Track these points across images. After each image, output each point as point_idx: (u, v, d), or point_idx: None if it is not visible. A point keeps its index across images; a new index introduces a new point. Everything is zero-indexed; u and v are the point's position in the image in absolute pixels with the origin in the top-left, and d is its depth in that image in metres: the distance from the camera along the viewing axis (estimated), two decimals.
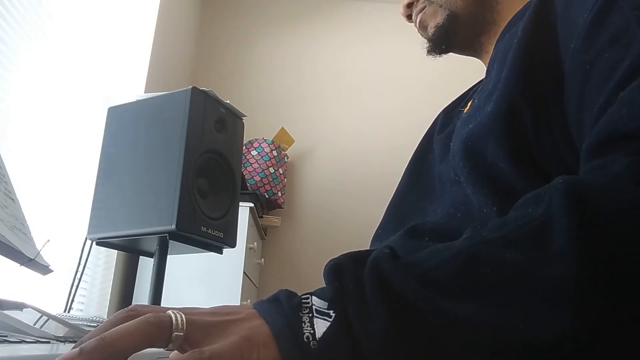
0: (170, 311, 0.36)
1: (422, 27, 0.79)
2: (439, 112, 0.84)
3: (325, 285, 0.39)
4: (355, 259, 0.40)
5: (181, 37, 2.69)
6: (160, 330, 0.35)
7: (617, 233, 0.36)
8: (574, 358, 0.35)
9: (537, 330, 0.35)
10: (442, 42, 0.77)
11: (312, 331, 0.36)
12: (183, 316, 0.36)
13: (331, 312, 0.37)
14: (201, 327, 0.37)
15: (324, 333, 0.36)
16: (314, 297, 0.38)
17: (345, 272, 0.39)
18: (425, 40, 0.79)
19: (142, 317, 0.35)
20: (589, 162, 0.45)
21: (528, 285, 0.36)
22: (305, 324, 0.36)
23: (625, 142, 0.42)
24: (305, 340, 0.36)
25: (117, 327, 0.34)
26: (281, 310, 0.38)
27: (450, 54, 0.81)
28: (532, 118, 0.54)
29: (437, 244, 0.41)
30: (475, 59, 0.80)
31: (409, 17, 0.81)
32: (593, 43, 0.50)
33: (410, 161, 0.81)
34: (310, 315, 0.37)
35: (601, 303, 0.35)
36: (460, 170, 0.61)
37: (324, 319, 0.36)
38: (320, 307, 0.37)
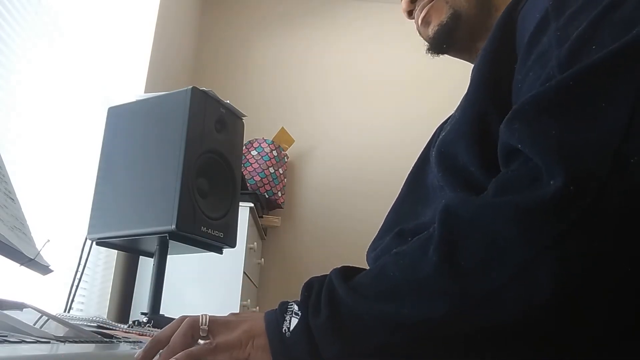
0: (201, 315, 0.55)
1: (425, 23, 0.79)
2: (438, 116, 0.86)
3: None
4: (322, 278, 0.56)
5: (181, 37, 2.69)
6: (194, 328, 0.55)
7: (465, 239, 0.48)
8: (446, 333, 0.48)
9: (416, 313, 0.48)
10: (443, 41, 0.78)
11: (288, 325, 0.53)
12: (207, 316, 0.55)
13: (300, 312, 0.54)
14: (219, 324, 0.55)
15: (294, 326, 0.53)
16: (294, 304, 0.55)
17: (313, 286, 0.56)
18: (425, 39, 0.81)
19: (185, 322, 0.55)
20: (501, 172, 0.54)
21: (410, 282, 0.50)
22: (286, 321, 0.54)
23: (509, 157, 0.52)
24: (284, 331, 0.53)
25: (174, 335, 0.54)
26: (274, 313, 0.55)
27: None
28: (499, 124, 0.57)
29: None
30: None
31: (409, 14, 0.82)
32: (526, 62, 0.55)
33: (409, 172, 0.84)
34: (290, 315, 0.54)
35: (453, 291, 0.47)
36: (437, 175, 0.66)
37: (296, 317, 0.54)
38: (296, 310, 0.54)
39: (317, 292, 0.55)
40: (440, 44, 0.79)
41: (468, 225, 0.48)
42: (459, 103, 0.80)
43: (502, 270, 0.45)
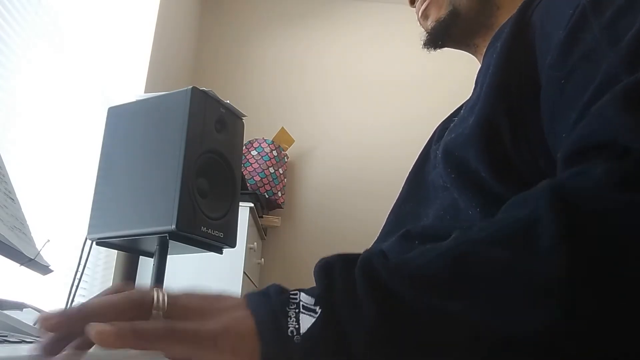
0: (155, 289, 0.37)
1: (424, 16, 0.80)
2: (439, 116, 0.85)
3: (315, 284, 0.40)
4: (346, 258, 0.41)
5: (181, 37, 2.69)
6: (138, 307, 0.36)
7: (601, 236, 0.37)
8: (556, 353, 0.36)
9: (521, 326, 0.36)
10: (439, 37, 0.78)
11: (296, 326, 0.36)
12: (166, 296, 0.37)
13: (317, 308, 0.37)
14: (183, 308, 0.37)
15: (308, 328, 0.36)
16: (302, 294, 0.38)
17: (334, 270, 0.39)
18: (423, 32, 0.80)
19: (125, 292, 0.36)
20: (566, 169, 0.46)
21: (513, 283, 0.36)
22: (290, 319, 0.36)
23: (598, 151, 0.44)
24: (289, 334, 0.36)
25: (100, 299, 0.36)
26: (268, 303, 0.38)
27: (448, 49, 0.82)
28: (511, 130, 0.57)
29: (426, 246, 0.42)
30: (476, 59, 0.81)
31: (411, 2, 0.82)
32: (566, 60, 0.52)
33: (410, 171, 0.83)
34: (297, 310, 0.37)
35: (584, 302, 0.36)
36: (446, 176, 0.64)
37: (310, 315, 0.37)
38: (307, 303, 0.37)
39: (344, 276, 0.38)
40: (436, 40, 0.79)
41: (598, 223, 0.38)
42: (465, 101, 0.80)
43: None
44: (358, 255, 0.41)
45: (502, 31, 0.66)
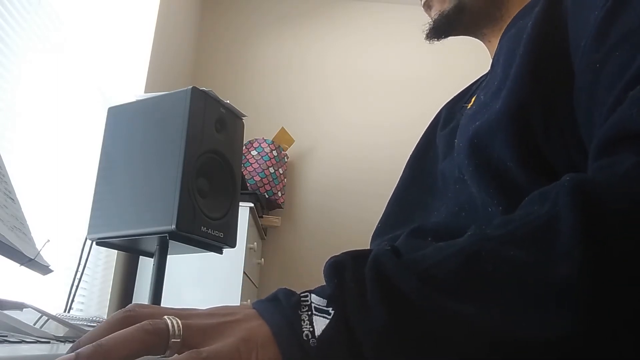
0: (166, 317, 0.36)
1: (427, 6, 0.76)
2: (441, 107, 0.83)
3: (324, 283, 0.39)
4: (356, 256, 0.40)
5: (181, 37, 2.68)
6: (157, 337, 0.34)
7: (624, 233, 0.35)
8: (574, 358, 0.35)
9: (538, 330, 0.34)
10: (442, 30, 0.75)
11: (311, 329, 0.35)
12: (179, 322, 0.36)
13: (330, 309, 0.36)
14: (198, 330, 0.36)
15: (323, 331, 0.35)
16: (313, 295, 0.37)
17: (345, 269, 0.38)
18: (426, 22, 0.77)
19: (139, 324, 0.35)
20: (597, 161, 0.44)
21: (531, 284, 0.35)
22: (304, 322, 0.36)
23: (630, 142, 0.41)
24: (305, 338, 0.35)
25: (114, 335, 0.34)
26: (280, 309, 0.37)
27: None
28: (542, 117, 0.53)
29: (440, 243, 0.40)
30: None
31: None
32: (604, 41, 0.49)
33: (411, 155, 0.79)
34: (310, 313, 0.36)
35: (605, 305, 0.34)
36: (465, 168, 0.60)
37: (323, 317, 0.36)
38: (319, 305, 0.37)
39: (354, 276, 0.37)
40: (439, 33, 0.75)
41: (621, 219, 0.35)
42: (474, 82, 0.76)
43: None
44: (369, 252, 0.40)
45: (525, 14, 0.63)
